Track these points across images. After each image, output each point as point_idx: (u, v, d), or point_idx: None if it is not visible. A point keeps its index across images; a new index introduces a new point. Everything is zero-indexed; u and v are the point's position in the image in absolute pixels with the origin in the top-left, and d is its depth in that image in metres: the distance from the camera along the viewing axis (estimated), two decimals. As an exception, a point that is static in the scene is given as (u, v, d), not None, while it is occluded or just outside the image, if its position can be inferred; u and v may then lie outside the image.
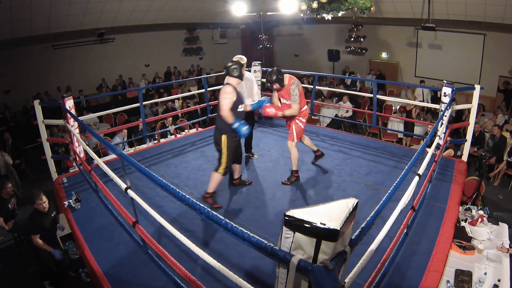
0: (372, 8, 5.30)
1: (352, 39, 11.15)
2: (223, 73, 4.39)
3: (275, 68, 3.55)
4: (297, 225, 1.16)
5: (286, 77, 3.59)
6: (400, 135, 7.35)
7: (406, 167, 2.16)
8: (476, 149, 5.92)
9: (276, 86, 3.55)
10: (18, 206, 4.51)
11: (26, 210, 5.12)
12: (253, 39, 12.43)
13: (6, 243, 4.46)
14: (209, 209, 1.50)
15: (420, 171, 2.49)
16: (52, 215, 3.47)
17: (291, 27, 12.90)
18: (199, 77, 6.72)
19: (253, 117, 4.56)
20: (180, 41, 12.40)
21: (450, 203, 3.38)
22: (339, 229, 1.09)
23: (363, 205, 3.35)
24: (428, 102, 8.26)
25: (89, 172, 3.29)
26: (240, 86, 3.92)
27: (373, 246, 1.75)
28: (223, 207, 3.45)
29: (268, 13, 8.17)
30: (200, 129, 5.97)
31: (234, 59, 4.00)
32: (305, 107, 3.75)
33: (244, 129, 3.07)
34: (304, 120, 3.77)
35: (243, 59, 4.04)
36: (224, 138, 3.18)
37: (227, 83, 3.20)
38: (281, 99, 3.75)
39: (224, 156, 3.23)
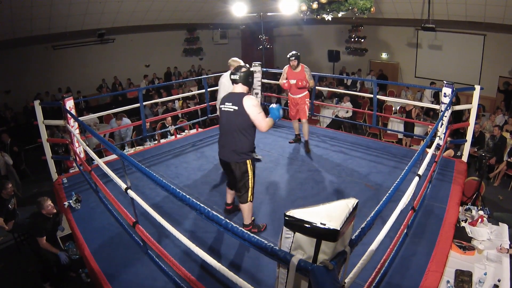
0: (372, 9, 5.30)
1: (352, 39, 11.15)
2: (223, 73, 4.42)
3: (297, 52, 4.52)
4: (297, 225, 1.16)
5: (300, 64, 4.57)
6: (400, 136, 7.35)
7: (406, 168, 2.16)
8: (476, 150, 5.92)
9: (294, 62, 4.49)
10: (18, 206, 4.51)
11: (26, 210, 5.12)
12: (253, 39, 12.43)
13: (6, 243, 4.46)
14: (209, 209, 1.50)
15: (420, 172, 2.49)
16: (54, 217, 3.47)
17: (291, 28, 12.90)
18: (199, 77, 6.73)
19: None
20: (180, 42, 12.40)
21: (450, 204, 3.38)
22: (339, 229, 1.09)
23: (363, 206, 3.35)
24: (434, 101, 8.25)
25: (89, 172, 3.29)
26: (226, 89, 3.94)
27: (373, 246, 1.75)
28: (223, 207, 3.44)
29: (268, 14, 8.17)
30: (200, 129, 5.97)
31: (233, 62, 4.12)
32: (306, 92, 4.67)
33: (280, 111, 2.71)
34: (308, 99, 4.74)
35: (240, 62, 4.02)
36: (249, 163, 2.72)
37: (245, 93, 2.70)
38: (290, 80, 4.58)
39: (250, 182, 2.76)
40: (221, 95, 4.09)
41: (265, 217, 3.27)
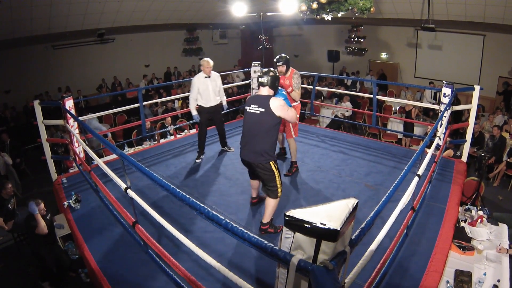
0: (372, 9, 5.30)
1: (352, 39, 11.16)
2: (222, 73, 4.44)
3: (286, 55, 3.88)
4: (297, 225, 1.16)
5: (290, 69, 3.90)
6: (399, 136, 7.35)
7: (406, 168, 2.16)
8: (475, 150, 5.93)
9: (282, 68, 3.80)
10: (17, 206, 4.50)
11: (26, 210, 5.12)
12: (253, 39, 12.43)
13: (6, 243, 4.45)
14: (209, 209, 1.50)
15: (420, 172, 2.49)
16: (48, 217, 3.45)
17: (291, 28, 12.90)
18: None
19: (220, 113, 4.65)
20: (180, 42, 12.40)
21: (449, 204, 3.39)
22: (339, 229, 1.09)
23: (363, 206, 3.36)
24: (435, 103, 8.26)
25: (89, 172, 3.29)
26: (205, 86, 4.27)
27: (373, 246, 1.75)
28: (223, 208, 3.45)
29: (268, 14, 8.17)
30: (200, 129, 5.97)
31: (204, 62, 4.24)
32: (297, 102, 3.98)
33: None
34: (297, 116, 3.95)
35: (210, 62, 4.27)
36: (272, 163, 2.78)
37: (271, 96, 2.77)
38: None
39: (278, 179, 2.82)
40: (193, 95, 4.29)
41: (265, 217, 3.27)
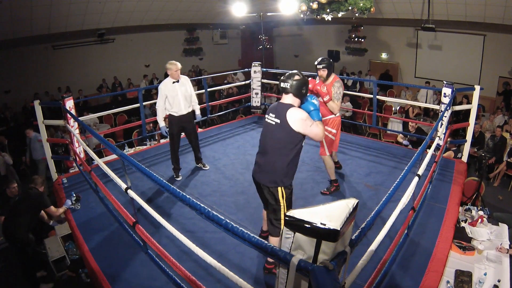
0: (372, 9, 5.30)
1: (352, 39, 11.16)
2: (223, 73, 4.38)
3: (329, 58, 3.43)
4: (297, 225, 1.16)
5: (332, 74, 3.39)
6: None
7: (406, 168, 2.16)
8: (476, 150, 5.93)
9: (323, 72, 3.29)
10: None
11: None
12: (253, 39, 12.45)
13: (6, 243, 4.45)
14: (209, 209, 1.50)
15: (420, 172, 2.49)
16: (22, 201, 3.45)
17: (291, 28, 12.90)
18: (199, 77, 6.72)
19: (193, 123, 4.13)
20: (180, 42, 12.40)
21: (450, 204, 3.38)
22: (339, 229, 1.09)
23: (363, 206, 3.36)
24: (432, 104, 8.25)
25: (89, 172, 3.29)
26: (174, 93, 3.80)
27: (373, 246, 1.75)
28: (223, 208, 3.45)
29: (268, 14, 8.17)
30: (200, 129, 5.96)
31: (170, 65, 3.78)
32: (336, 115, 3.48)
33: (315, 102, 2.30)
34: (334, 131, 3.52)
35: (178, 65, 3.82)
36: (280, 190, 2.28)
37: (292, 106, 2.21)
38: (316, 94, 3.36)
39: (282, 213, 2.30)
40: (160, 103, 3.85)
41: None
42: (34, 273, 3.56)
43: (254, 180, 2.43)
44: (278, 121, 2.20)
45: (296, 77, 2.20)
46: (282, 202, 2.29)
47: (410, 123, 5.02)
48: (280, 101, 2.32)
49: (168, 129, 3.99)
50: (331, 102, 3.32)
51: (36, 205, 3.36)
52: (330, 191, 3.65)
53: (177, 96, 3.83)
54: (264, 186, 2.32)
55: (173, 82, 3.83)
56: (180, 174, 4.17)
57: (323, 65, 3.30)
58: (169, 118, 3.96)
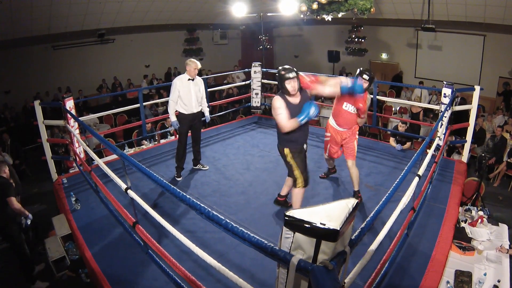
0: (372, 9, 5.31)
1: (352, 40, 11.16)
2: (223, 73, 4.39)
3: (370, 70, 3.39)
4: (297, 225, 1.16)
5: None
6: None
7: (406, 168, 2.16)
8: (475, 145, 5.90)
9: (366, 83, 3.24)
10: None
11: (26, 210, 5.11)
12: (253, 40, 12.44)
13: (6, 244, 4.45)
14: (209, 209, 1.50)
15: (420, 172, 2.49)
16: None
17: (291, 28, 12.91)
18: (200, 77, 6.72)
19: (200, 120, 4.17)
20: (180, 42, 12.40)
21: (450, 204, 3.39)
22: (339, 229, 1.09)
23: (363, 206, 3.36)
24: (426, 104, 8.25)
25: (89, 172, 3.29)
26: (187, 90, 3.84)
27: (373, 246, 1.75)
28: (223, 208, 3.45)
29: (268, 14, 8.18)
30: (200, 129, 5.97)
31: (190, 62, 3.83)
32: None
33: (312, 110, 2.61)
34: (327, 134, 3.61)
35: (197, 64, 3.87)
36: (287, 151, 2.88)
37: (276, 95, 2.80)
38: (345, 103, 3.32)
39: (296, 170, 2.90)
40: (174, 97, 3.85)
41: (265, 217, 3.27)
42: (30, 267, 3.54)
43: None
44: None
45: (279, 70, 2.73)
46: (292, 162, 2.90)
47: (399, 124, 5.02)
48: None
49: (178, 126, 3.99)
50: (363, 118, 3.38)
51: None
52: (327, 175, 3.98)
53: (190, 93, 3.88)
54: (279, 151, 2.98)
55: (188, 79, 3.87)
56: (181, 174, 4.17)
57: (367, 75, 3.24)
58: (180, 116, 3.97)
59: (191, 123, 4.03)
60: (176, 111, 3.96)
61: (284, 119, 2.70)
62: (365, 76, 3.23)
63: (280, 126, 2.73)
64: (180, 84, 3.84)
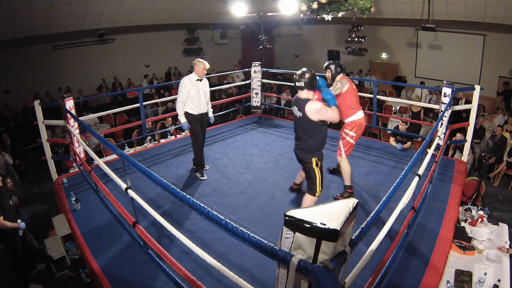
0: (372, 9, 5.30)
1: (352, 39, 11.15)
2: (223, 73, 4.38)
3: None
4: (297, 225, 1.16)
5: (339, 75, 3.43)
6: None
7: (406, 168, 2.16)
8: (475, 142, 5.89)
9: (328, 73, 3.47)
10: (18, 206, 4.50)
11: (26, 210, 5.13)
12: (253, 39, 12.44)
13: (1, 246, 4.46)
14: (209, 209, 1.50)
15: (420, 172, 2.49)
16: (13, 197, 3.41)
17: (291, 28, 12.90)
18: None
19: (206, 122, 4.21)
20: (180, 42, 12.40)
21: (450, 204, 3.38)
22: (339, 229, 1.09)
23: (363, 206, 3.36)
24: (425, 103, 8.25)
25: (89, 172, 3.29)
26: (196, 90, 3.84)
27: (373, 246, 1.75)
28: (223, 208, 3.45)
29: (268, 14, 8.17)
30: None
31: (198, 62, 3.82)
32: (355, 117, 3.43)
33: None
34: (353, 134, 3.46)
35: (206, 64, 3.85)
36: (314, 161, 2.87)
37: (309, 99, 2.73)
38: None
39: (318, 179, 2.92)
40: (183, 98, 3.82)
41: (265, 217, 3.27)
42: (24, 269, 3.54)
43: (296, 156, 3.07)
44: (301, 114, 2.77)
45: (307, 75, 2.71)
46: (317, 170, 2.89)
47: (400, 123, 5.02)
48: (297, 95, 2.85)
49: (189, 127, 3.96)
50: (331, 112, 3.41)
51: None
52: (343, 197, 3.50)
53: (198, 93, 3.89)
54: (302, 160, 2.97)
55: (197, 80, 3.86)
56: (204, 174, 4.15)
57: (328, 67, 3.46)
58: (189, 117, 3.93)
59: (201, 123, 4.05)
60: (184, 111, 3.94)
61: (336, 111, 2.75)
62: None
63: (335, 119, 2.76)
64: (190, 84, 3.81)
